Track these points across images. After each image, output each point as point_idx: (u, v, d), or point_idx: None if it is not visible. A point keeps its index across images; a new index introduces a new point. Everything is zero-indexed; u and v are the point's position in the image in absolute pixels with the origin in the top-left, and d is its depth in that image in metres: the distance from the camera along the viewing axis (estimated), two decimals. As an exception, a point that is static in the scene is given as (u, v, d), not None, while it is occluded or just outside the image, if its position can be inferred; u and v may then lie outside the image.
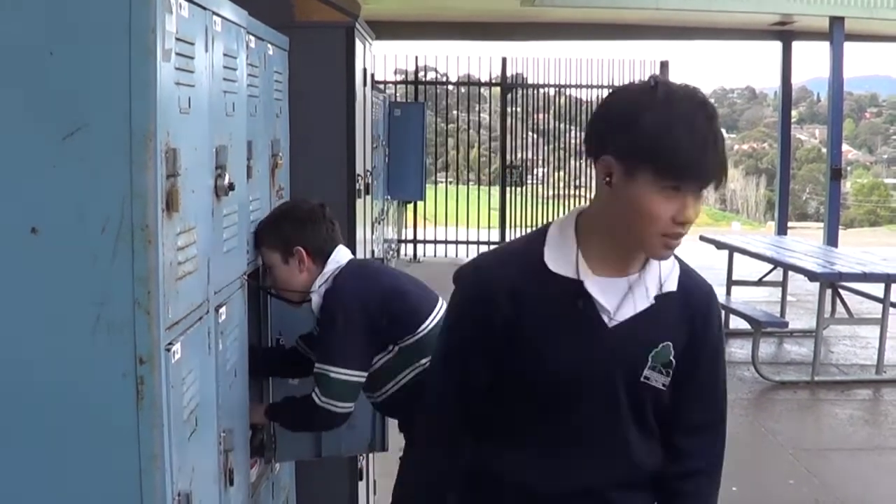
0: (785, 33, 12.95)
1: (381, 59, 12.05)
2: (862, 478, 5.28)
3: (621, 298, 1.74)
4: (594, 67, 12.80)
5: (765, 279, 9.07)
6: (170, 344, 1.64)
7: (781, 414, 6.43)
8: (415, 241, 12.83)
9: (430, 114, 13.01)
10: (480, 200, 13.99)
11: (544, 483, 1.79)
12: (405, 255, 12.48)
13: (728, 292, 8.60)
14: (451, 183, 15.98)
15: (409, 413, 2.66)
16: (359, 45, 3.44)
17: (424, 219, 13.03)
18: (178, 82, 1.69)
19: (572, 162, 13.39)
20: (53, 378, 1.57)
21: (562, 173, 13.48)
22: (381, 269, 3.02)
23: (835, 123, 11.49)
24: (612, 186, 1.66)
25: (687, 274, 1.82)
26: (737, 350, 7.75)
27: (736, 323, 7.86)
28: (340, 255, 2.74)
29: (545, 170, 13.96)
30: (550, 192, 13.36)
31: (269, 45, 2.77)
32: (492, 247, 13.28)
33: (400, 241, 11.97)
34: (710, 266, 7.87)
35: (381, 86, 11.50)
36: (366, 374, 2.65)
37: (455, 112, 15.03)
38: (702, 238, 9.26)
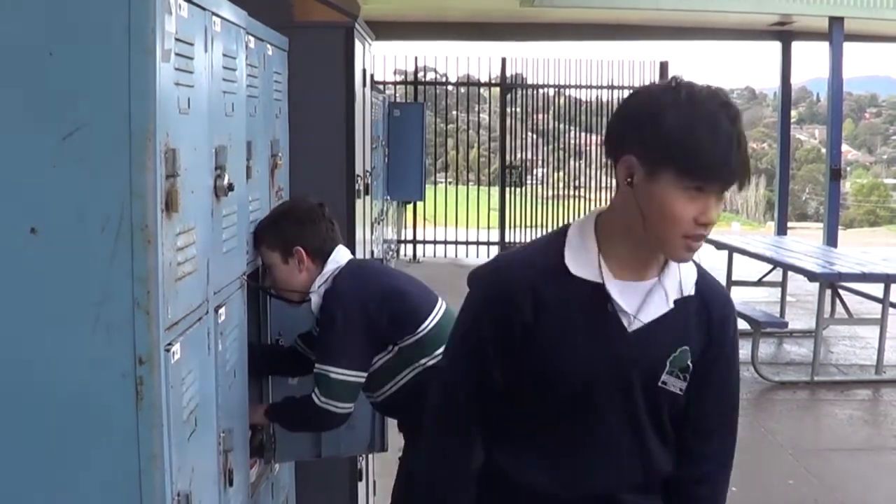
0: (784, 33, 12.95)
1: (380, 60, 12.08)
2: (861, 478, 5.27)
3: (641, 302, 1.73)
4: (593, 68, 12.84)
5: (764, 279, 9.08)
6: (169, 344, 1.63)
7: (781, 414, 6.43)
8: (414, 242, 12.83)
9: (429, 114, 13.02)
10: (480, 201, 14.01)
11: (560, 487, 1.78)
12: (405, 255, 12.49)
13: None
14: (450, 183, 16.01)
15: (409, 413, 2.66)
16: (358, 45, 3.44)
17: (424, 219, 13.04)
18: (178, 83, 1.69)
19: (572, 162, 13.41)
20: (53, 378, 1.57)
21: (561, 174, 13.49)
22: (381, 269, 3.02)
23: (834, 124, 11.48)
24: (634, 187, 1.65)
25: (704, 278, 1.81)
26: (736, 350, 7.75)
27: (735, 323, 7.85)
28: (340, 255, 2.74)
29: (545, 170, 13.97)
30: (550, 193, 13.38)
31: (268, 46, 2.77)
32: (491, 247, 13.18)
33: (399, 242, 11.98)
34: (709, 266, 7.83)
35: (381, 86, 11.52)
36: (365, 374, 2.65)
37: (454, 112, 15.05)
38: (702, 238, 9.25)
